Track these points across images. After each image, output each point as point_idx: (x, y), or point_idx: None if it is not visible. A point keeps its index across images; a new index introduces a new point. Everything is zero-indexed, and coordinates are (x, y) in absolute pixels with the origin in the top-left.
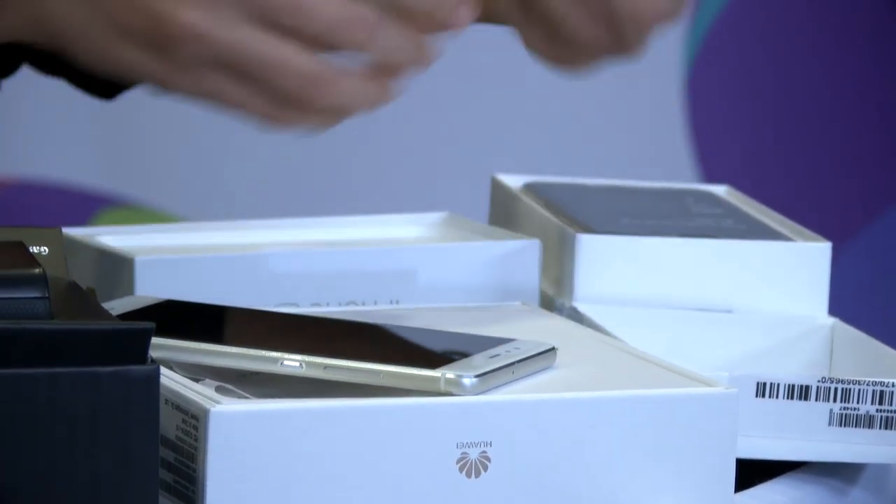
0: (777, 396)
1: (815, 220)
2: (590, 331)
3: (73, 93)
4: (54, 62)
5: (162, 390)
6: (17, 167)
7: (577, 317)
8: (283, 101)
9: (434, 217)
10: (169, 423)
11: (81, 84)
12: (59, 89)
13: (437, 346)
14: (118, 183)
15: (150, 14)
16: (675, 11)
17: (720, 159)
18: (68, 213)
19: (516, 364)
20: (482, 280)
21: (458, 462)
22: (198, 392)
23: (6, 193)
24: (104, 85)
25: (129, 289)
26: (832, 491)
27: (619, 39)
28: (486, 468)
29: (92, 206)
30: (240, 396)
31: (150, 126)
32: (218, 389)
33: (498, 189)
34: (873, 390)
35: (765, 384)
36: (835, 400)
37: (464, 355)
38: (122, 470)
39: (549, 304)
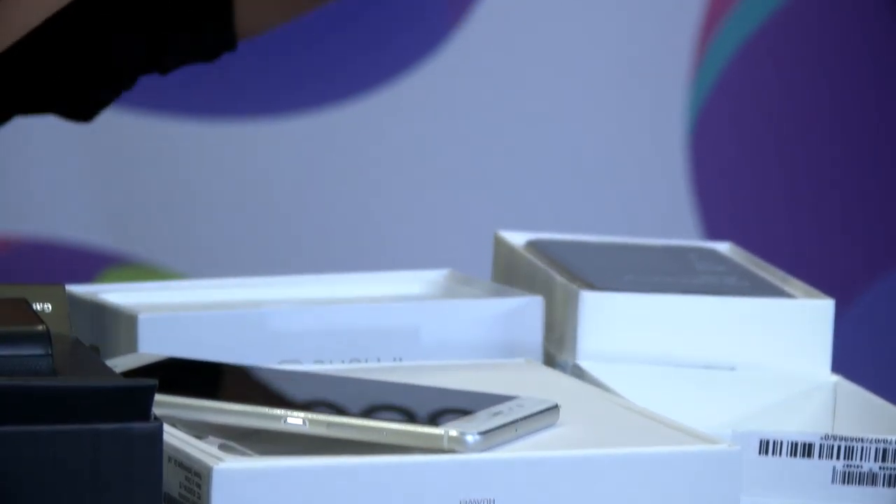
0: (780, 454)
1: (818, 277)
2: (593, 388)
3: (78, 151)
4: (42, 99)
5: (165, 447)
6: (21, 225)
7: (579, 374)
8: None
9: (436, 274)
10: (172, 481)
11: (66, 112)
12: (62, 148)
13: (440, 403)
14: (122, 241)
15: None
16: None
17: (723, 216)
18: (72, 271)
19: (519, 421)
20: (485, 337)
21: None
22: (201, 449)
23: (10, 252)
24: (84, 108)
25: (132, 346)
26: None
27: None
28: None
29: (96, 265)
30: (243, 454)
31: (153, 184)
32: (221, 447)
33: (501, 246)
34: (876, 448)
35: (768, 442)
36: (838, 457)
37: (467, 413)
38: None
39: (551, 361)
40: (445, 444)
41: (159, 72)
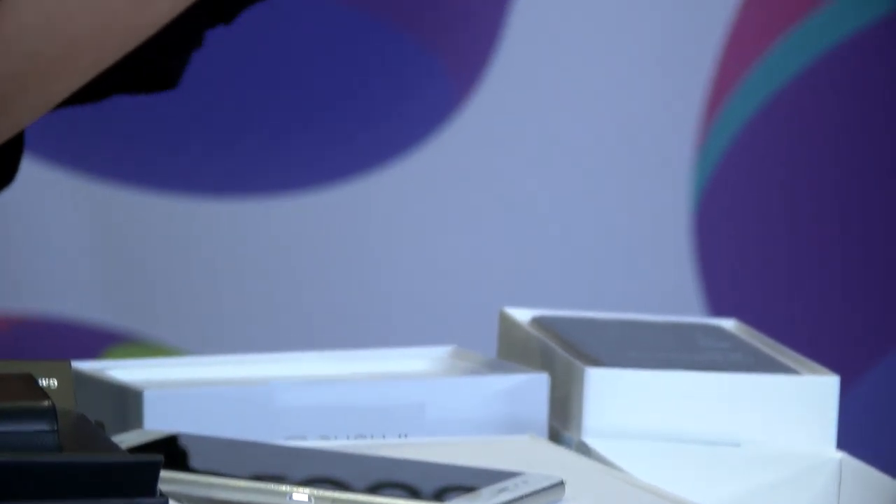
0: None
1: (824, 354)
2: (598, 464)
3: (82, 229)
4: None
5: None
6: (25, 303)
7: (585, 450)
8: None
9: (441, 351)
10: None
11: (139, 85)
12: (67, 226)
13: (445, 480)
14: (126, 319)
15: None
16: None
17: (728, 292)
18: (77, 349)
19: (524, 498)
20: (490, 413)
21: None
22: None
23: (15, 329)
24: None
25: (137, 422)
26: None
27: None
28: None
29: (101, 343)
30: None
31: (158, 261)
32: None
33: (506, 322)
34: None
35: None
36: None
37: (472, 489)
38: None
39: (557, 437)
40: None
41: (224, 22)
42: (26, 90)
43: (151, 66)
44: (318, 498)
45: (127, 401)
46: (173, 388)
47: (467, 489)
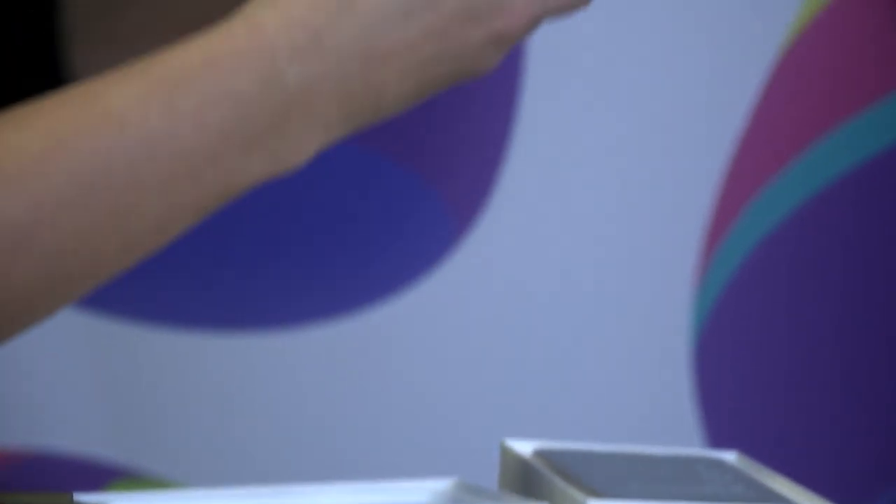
0: None
1: (827, 487)
2: None
3: (82, 365)
4: None
5: None
6: (25, 438)
7: None
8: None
9: (443, 483)
10: None
11: None
12: (67, 362)
13: None
14: (129, 453)
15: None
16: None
17: (729, 425)
18: (80, 483)
19: None
20: None
21: None
22: None
23: (18, 463)
24: None
25: None
26: None
27: None
28: None
29: (103, 477)
30: None
31: (159, 396)
32: None
33: (508, 455)
34: None
35: None
36: None
37: None
38: None
39: None
40: None
41: None
42: None
43: None
44: None
45: None
46: None
47: None
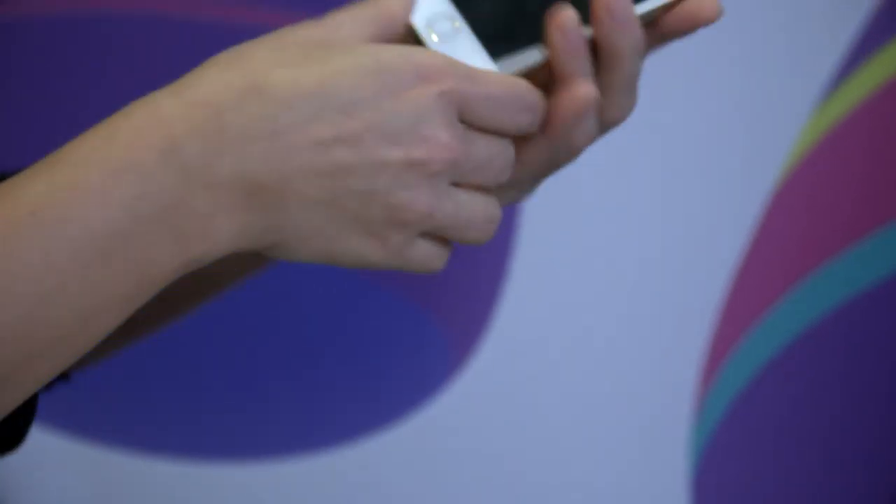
0: None
1: None
2: None
3: (86, 496)
4: None
5: None
6: None
7: None
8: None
9: None
10: None
11: None
12: (66, 494)
13: None
14: None
15: (389, 204)
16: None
17: None
18: None
19: None
20: None
21: None
22: None
23: None
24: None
25: None
26: None
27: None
28: None
29: None
30: None
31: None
32: None
33: None
34: None
35: None
36: None
37: None
38: None
39: None
40: None
41: (64, 380)
42: None
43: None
44: None
45: None
46: None
47: None
